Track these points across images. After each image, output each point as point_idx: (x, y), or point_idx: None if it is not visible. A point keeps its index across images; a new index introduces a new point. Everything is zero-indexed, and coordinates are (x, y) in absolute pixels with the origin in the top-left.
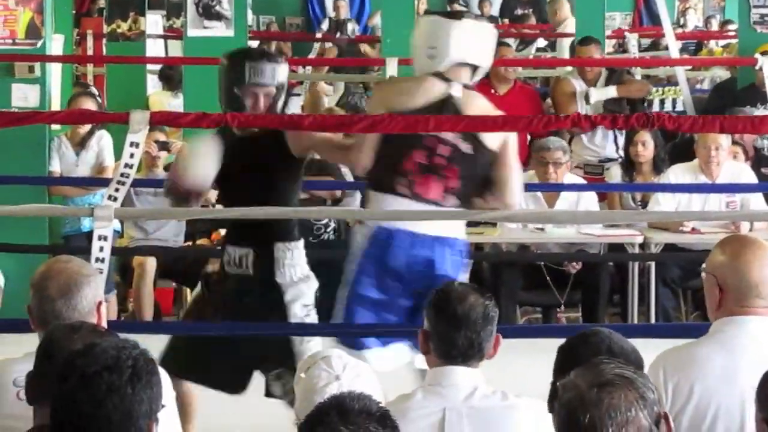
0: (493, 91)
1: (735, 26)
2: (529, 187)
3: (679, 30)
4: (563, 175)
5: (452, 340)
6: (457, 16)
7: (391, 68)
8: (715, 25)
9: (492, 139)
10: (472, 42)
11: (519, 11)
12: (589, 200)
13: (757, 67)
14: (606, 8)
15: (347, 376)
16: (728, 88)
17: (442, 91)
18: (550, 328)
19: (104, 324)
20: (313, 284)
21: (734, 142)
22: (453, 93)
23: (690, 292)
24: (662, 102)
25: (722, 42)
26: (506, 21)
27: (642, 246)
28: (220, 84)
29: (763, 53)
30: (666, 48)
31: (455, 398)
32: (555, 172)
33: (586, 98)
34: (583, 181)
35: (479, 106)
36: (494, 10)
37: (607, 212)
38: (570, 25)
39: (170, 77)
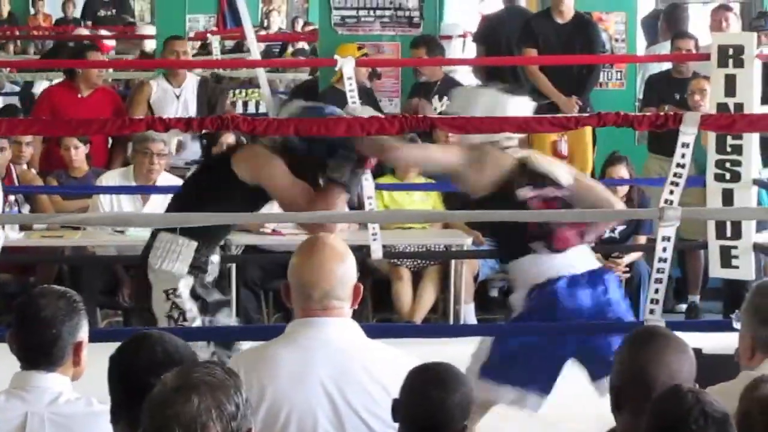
0: (79, 94)
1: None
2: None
3: (263, 32)
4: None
5: (29, 343)
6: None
7: None
8: (299, 27)
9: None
10: None
11: (102, 13)
12: None
13: (336, 69)
14: (188, 10)
15: None
16: (309, 88)
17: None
18: (128, 331)
19: None
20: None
21: None
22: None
23: (271, 293)
24: (245, 104)
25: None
26: (89, 23)
27: (222, 248)
28: None
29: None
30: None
31: (38, 403)
32: (158, 163)
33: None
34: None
35: None
36: (77, 12)
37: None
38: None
39: None
